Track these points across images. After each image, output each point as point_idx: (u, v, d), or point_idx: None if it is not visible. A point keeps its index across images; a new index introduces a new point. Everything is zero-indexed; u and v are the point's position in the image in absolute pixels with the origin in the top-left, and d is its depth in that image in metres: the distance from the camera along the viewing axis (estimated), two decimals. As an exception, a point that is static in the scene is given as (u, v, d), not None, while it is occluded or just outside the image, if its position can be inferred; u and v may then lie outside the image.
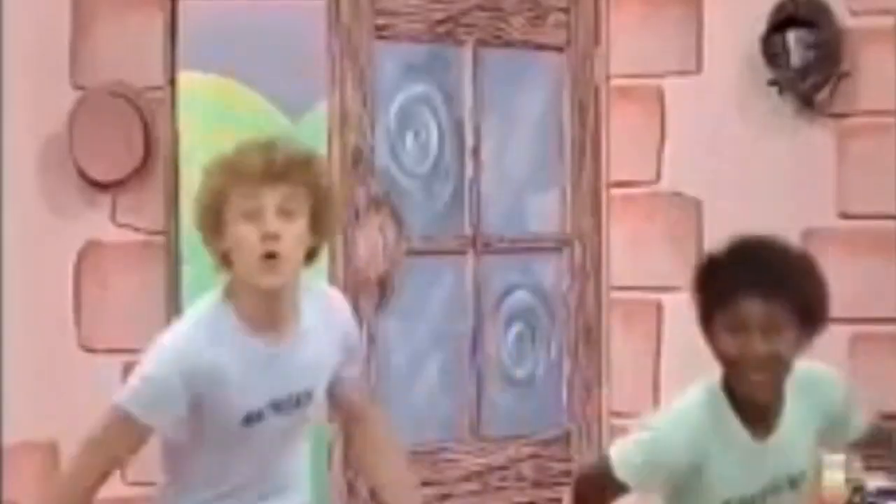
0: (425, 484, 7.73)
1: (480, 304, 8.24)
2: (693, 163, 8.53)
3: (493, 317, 8.32)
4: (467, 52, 8.15)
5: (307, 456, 5.41)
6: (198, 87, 8.68)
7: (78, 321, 8.21)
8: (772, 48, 8.25)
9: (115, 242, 8.24)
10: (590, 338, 8.60)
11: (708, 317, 5.00)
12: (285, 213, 4.89)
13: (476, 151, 8.17)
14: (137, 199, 8.24)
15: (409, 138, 7.89)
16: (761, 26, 8.26)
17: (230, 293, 4.99)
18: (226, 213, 4.92)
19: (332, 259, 7.37)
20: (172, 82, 8.36)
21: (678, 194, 8.50)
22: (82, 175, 8.19)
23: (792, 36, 8.24)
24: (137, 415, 4.96)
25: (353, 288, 7.41)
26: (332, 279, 7.26)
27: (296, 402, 5.08)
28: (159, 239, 8.28)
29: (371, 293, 7.62)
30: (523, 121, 8.50)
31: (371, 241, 7.61)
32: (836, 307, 7.80)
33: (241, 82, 10.02)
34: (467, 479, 8.15)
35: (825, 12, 8.17)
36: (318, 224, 4.99)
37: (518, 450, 8.26)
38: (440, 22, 8.05)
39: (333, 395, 5.33)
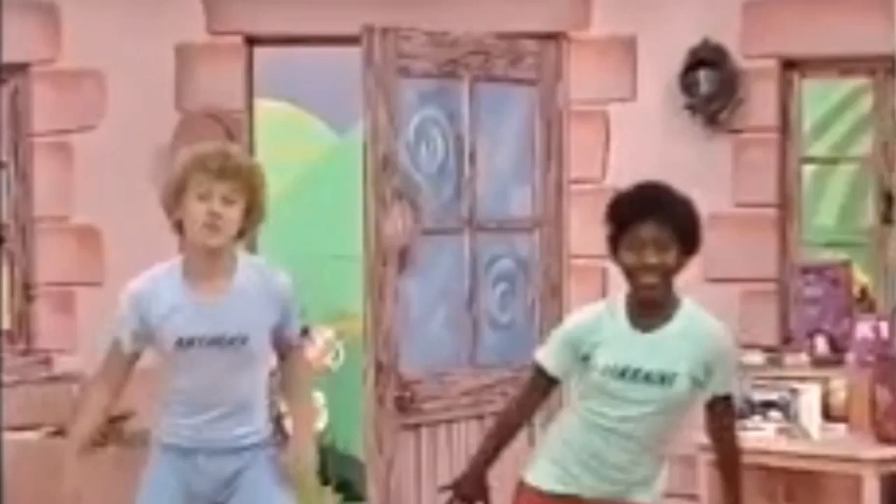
0: (433, 398, 7.91)
1: (475, 270, 8.25)
2: (629, 165, 8.52)
3: (484, 278, 8.33)
4: (465, 85, 8.16)
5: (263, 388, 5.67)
6: (267, 110, 9.29)
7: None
8: (687, 82, 8.54)
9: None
10: (554, 293, 8.68)
11: (614, 239, 5.34)
12: (227, 201, 5.31)
13: (472, 157, 8.18)
14: None
15: (423, 148, 7.91)
16: (679, 66, 8.54)
17: (183, 254, 5.51)
18: (185, 193, 5.35)
19: (367, 237, 7.57)
20: (250, 107, 8.81)
21: (618, 189, 8.03)
22: None
23: (701, 73, 8.50)
24: (114, 333, 5.52)
25: (382, 257, 7.57)
26: (367, 251, 7.55)
27: (230, 342, 5.41)
28: None
29: (395, 261, 7.66)
30: (506, 135, 8.50)
31: (394, 223, 7.62)
32: (730, 270, 8.51)
33: (300, 107, 10.65)
34: (465, 394, 8.14)
35: (726, 56, 8.47)
36: (250, 213, 5.39)
37: (501, 374, 8.20)
38: (445, 63, 8.08)
39: (274, 343, 5.61)
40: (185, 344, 5.42)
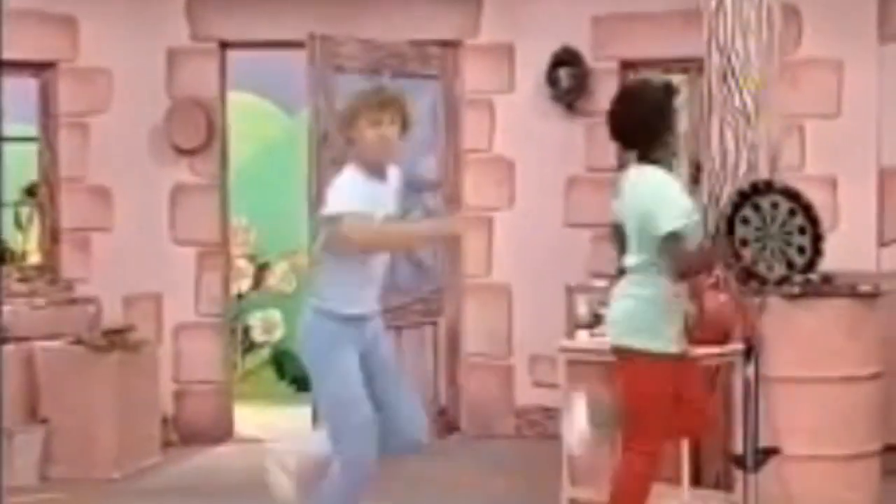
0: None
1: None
2: (508, 140, 8.68)
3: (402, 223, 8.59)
4: (385, 79, 8.01)
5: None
6: (236, 98, 9.18)
7: (172, 224, 8.61)
8: (551, 77, 8.57)
9: (191, 183, 8.62)
10: (453, 238, 7.69)
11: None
12: (390, 122, 5.13)
13: None
14: (203, 160, 8.61)
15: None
16: (545, 65, 8.56)
17: (353, 160, 5.15)
18: (358, 121, 5.10)
19: (310, 193, 7.53)
20: (223, 96, 8.73)
21: (501, 157, 8.69)
22: (173, 146, 8.55)
23: (562, 71, 8.55)
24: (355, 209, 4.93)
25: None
26: (310, 203, 7.45)
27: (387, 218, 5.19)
28: (216, 182, 8.65)
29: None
30: (417, 117, 8.35)
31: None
32: (584, 218, 8.58)
33: (260, 96, 10.80)
34: (386, 311, 7.74)
35: (580, 58, 8.52)
36: (403, 129, 5.21)
37: (412, 297, 8.31)
38: (371, 63, 8.10)
39: None
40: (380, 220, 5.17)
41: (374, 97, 5.22)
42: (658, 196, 5.08)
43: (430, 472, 7.32)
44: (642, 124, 5.20)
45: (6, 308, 7.74)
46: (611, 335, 5.27)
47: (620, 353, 5.19)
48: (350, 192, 5.05)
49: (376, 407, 5.15)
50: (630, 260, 5.22)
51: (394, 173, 5.32)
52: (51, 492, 7.23)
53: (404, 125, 5.26)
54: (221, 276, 8.79)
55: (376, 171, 5.19)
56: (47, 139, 8.65)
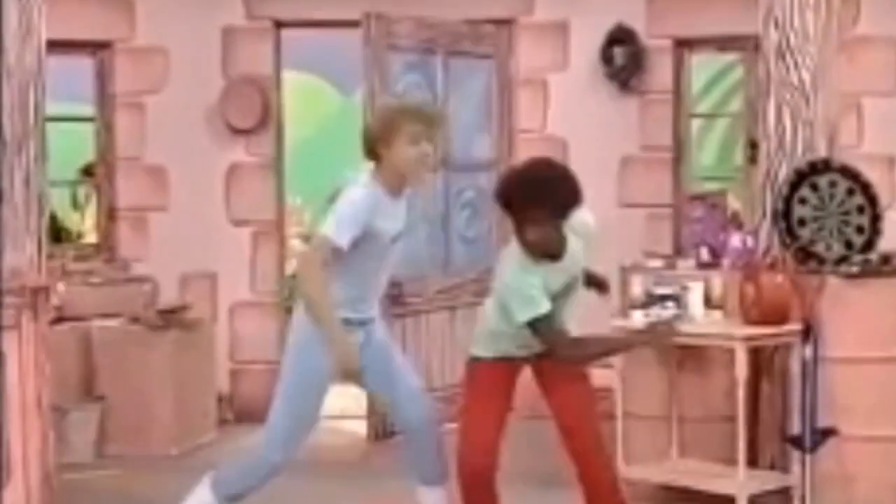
0: (416, 296, 7.88)
1: (447, 198, 8.24)
2: (562, 119, 8.61)
3: (454, 205, 8.32)
4: (439, 59, 8.15)
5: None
6: (291, 78, 9.14)
7: (228, 203, 8.59)
8: (605, 56, 8.52)
9: (247, 163, 8.59)
10: (506, 217, 8.73)
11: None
12: (428, 140, 4.98)
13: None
14: (258, 140, 8.57)
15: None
16: (600, 44, 8.51)
17: (377, 175, 4.99)
18: (397, 136, 4.96)
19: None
20: (278, 75, 8.67)
21: (555, 136, 8.60)
22: (229, 125, 8.51)
23: (616, 49, 8.50)
24: (334, 238, 4.80)
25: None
26: None
27: (398, 238, 5.08)
28: (271, 161, 8.61)
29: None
30: (471, 97, 8.43)
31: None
32: (638, 197, 8.52)
33: (315, 75, 10.83)
34: (440, 292, 8.13)
35: (634, 36, 8.46)
36: (438, 147, 5.08)
37: (467, 277, 8.23)
38: (424, 42, 8.06)
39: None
40: (396, 239, 5.09)
41: (419, 113, 5.06)
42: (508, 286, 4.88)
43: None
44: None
45: (62, 286, 7.73)
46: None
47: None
48: (356, 216, 4.88)
49: (386, 393, 5.22)
50: None
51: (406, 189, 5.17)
52: (107, 468, 7.27)
53: (438, 144, 5.12)
54: (276, 255, 8.76)
55: (399, 188, 5.05)
56: (104, 119, 8.64)
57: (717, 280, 6.44)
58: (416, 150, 4.99)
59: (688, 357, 6.49)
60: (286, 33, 8.74)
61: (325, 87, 10.78)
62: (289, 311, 9.39)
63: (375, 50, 7.82)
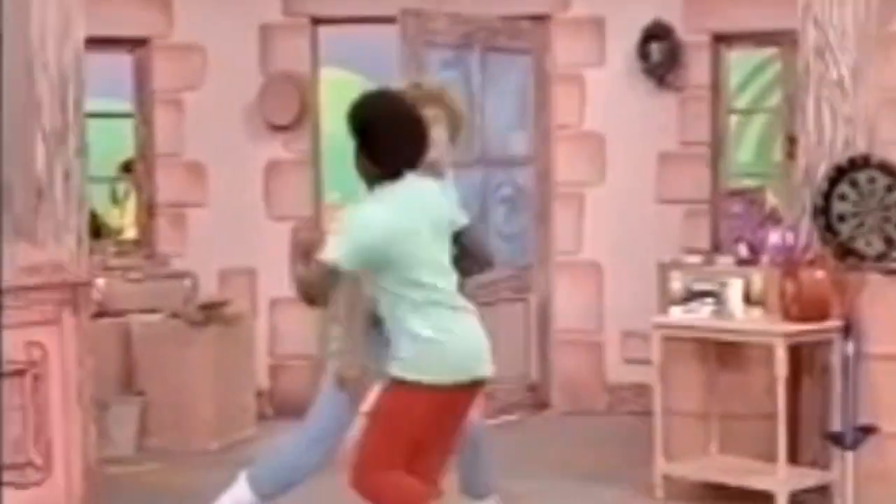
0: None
1: (485, 194, 8.21)
2: (599, 115, 8.56)
3: (492, 201, 8.30)
4: (476, 55, 8.15)
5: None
6: (329, 74, 9.14)
7: (267, 199, 8.60)
8: (642, 51, 8.46)
9: (285, 159, 8.60)
10: (544, 212, 8.60)
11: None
12: (433, 122, 4.74)
13: (482, 109, 8.11)
14: (296, 136, 8.58)
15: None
16: (636, 39, 8.45)
17: None
18: None
19: None
20: (315, 72, 8.69)
21: (592, 132, 8.56)
22: (267, 122, 8.52)
23: (653, 45, 8.44)
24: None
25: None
26: None
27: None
28: (308, 158, 8.64)
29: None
30: (508, 93, 8.41)
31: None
32: (676, 193, 8.47)
33: (351, 71, 10.79)
34: (480, 287, 7.92)
35: (671, 32, 8.40)
36: (452, 130, 4.93)
37: (507, 272, 8.16)
38: (461, 38, 8.07)
39: None
40: None
41: (412, 94, 4.81)
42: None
43: (520, 448, 7.29)
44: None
45: (102, 282, 7.77)
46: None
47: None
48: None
49: None
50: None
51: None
52: (148, 462, 7.30)
53: (452, 125, 4.92)
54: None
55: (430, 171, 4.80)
56: (143, 115, 8.66)
57: (756, 276, 6.40)
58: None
59: (727, 354, 6.47)
60: (323, 30, 8.73)
61: (361, 83, 10.75)
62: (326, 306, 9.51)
63: (412, 46, 7.82)
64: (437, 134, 4.77)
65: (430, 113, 4.76)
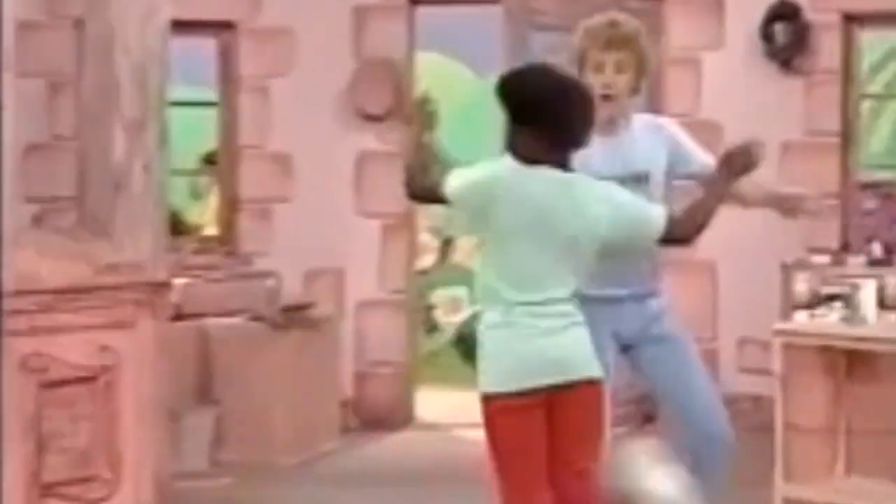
0: None
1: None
2: (718, 102, 8.45)
3: None
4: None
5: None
6: (424, 59, 9.15)
7: (357, 194, 8.64)
8: (766, 33, 8.38)
9: (378, 151, 8.61)
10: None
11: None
12: (619, 68, 4.70)
13: None
14: (389, 126, 8.55)
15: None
16: (759, 20, 8.36)
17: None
18: (585, 65, 4.72)
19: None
20: (410, 56, 8.74)
21: (709, 120, 8.33)
22: (359, 111, 8.56)
23: (778, 26, 8.34)
24: None
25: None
26: None
27: (635, 179, 4.69)
28: (402, 149, 8.16)
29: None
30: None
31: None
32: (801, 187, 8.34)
33: (449, 56, 10.86)
34: None
35: (798, 11, 8.31)
36: (639, 74, 4.77)
37: None
38: (568, 18, 7.23)
39: (692, 178, 4.97)
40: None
41: (602, 34, 4.74)
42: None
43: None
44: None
45: (180, 282, 7.77)
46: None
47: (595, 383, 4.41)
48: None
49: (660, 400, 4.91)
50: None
51: (639, 125, 4.81)
52: (222, 477, 7.26)
53: (638, 73, 4.78)
54: (406, 250, 8.74)
55: (607, 127, 4.65)
56: (227, 104, 8.68)
57: (891, 279, 6.30)
58: (598, 80, 4.69)
59: (858, 363, 6.35)
60: (421, 11, 8.72)
61: (459, 68, 10.79)
62: (416, 310, 9.49)
63: (516, 27, 7.80)
64: (619, 82, 4.71)
65: (615, 57, 4.73)
